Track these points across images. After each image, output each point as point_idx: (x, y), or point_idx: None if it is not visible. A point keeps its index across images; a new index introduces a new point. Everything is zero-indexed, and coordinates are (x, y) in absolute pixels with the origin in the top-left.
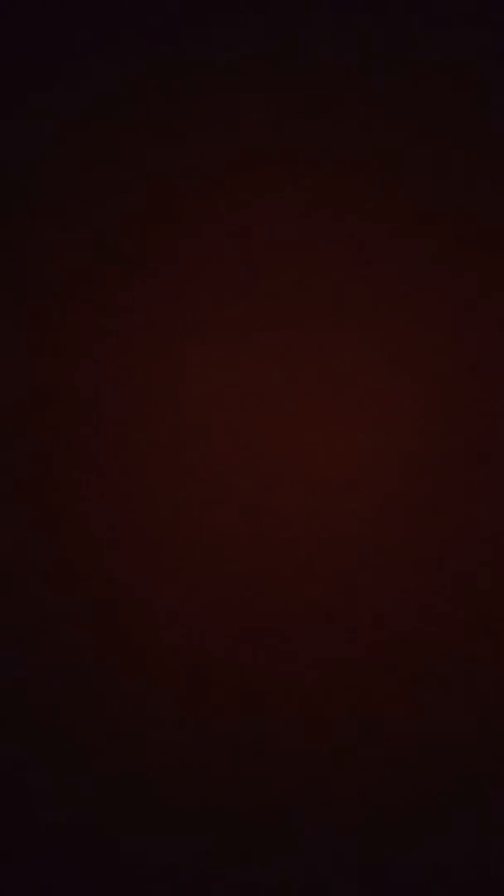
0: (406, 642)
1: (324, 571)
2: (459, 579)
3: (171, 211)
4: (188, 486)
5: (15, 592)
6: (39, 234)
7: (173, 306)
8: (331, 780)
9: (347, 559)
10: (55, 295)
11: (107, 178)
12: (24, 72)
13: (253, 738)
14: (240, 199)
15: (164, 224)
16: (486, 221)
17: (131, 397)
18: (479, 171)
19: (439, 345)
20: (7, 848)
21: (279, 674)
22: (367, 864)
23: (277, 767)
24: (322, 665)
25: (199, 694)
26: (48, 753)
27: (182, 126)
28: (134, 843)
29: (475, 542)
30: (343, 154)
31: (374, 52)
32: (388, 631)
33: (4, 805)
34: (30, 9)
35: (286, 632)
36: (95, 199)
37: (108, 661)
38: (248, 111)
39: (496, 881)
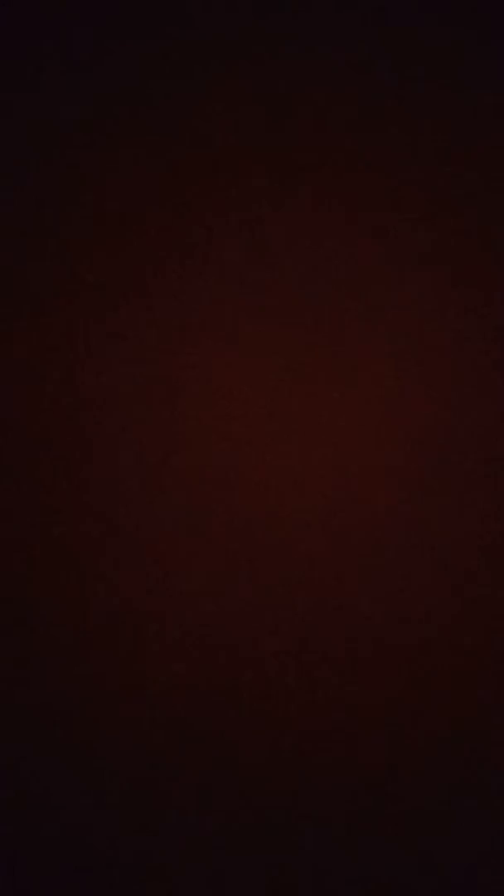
0: (408, 644)
1: (327, 572)
2: (464, 579)
3: (174, 207)
4: (187, 486)
5: (13, 594)
6: (39, 233)
7: (174, 304)
8: (332, 783)
9: (350, 560)
10: (55, 294)
11: (107, 178)
12: (24, 75)
13: (253, 740)
14: (245, 196)
15: (166, 222)
16: (487, 221)
17: (131, 396)
18: (482, 168)
19: (444, 345)
20: (7, 849)
21: (279, 676)
22: (368, 866)
23: (279, 771)
24: (323, 668)
25: (197, 701)
26: (46, 758)
27: (183, 126)
28: (132, 845)
29: (479, 542)
30: (350, 153)
31: (380, 51)
32: (391, 632)
33: (3, 806)
34: (28, 8)
35: (286, 633)
36: (96, 198)
37: (108, 661)
38: (250, 109)
39: (496, 882)
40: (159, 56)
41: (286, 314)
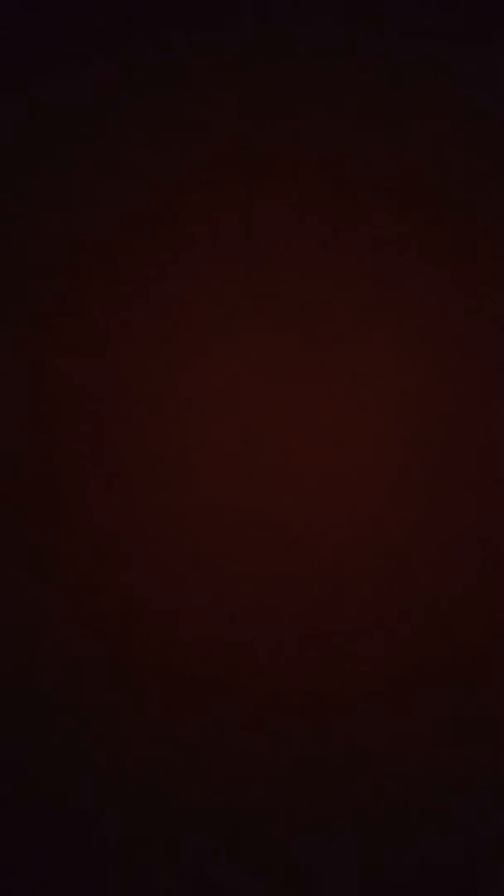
0: (410, 644)
1: (326, 569)
2: (463, 577)
3: (174, 205)
4: (187, 488)
5: (13, 593)
6: (41, 233)
7: (174, 300)
8: (328, 784)
9: (350, 558)
10: (55, 293)
11: (108, 177)
12: (23, 79)
13: (251, 742)
14: (244, 197)
15: (167, 220)
16: (487, 220)
17: (131, 393)
18: (483, 167)
19: (445, 346)
20: (8, 849)
21: (279, 678)
22: (369, 870)
23: (275, 770)
24: (323, 670)
25: (195, 703)
26: (49, 755)
27: (184, 127)
28: (134, 845)
29: (480, 540)
30: (350, 154)
31: (381, 55)
32: (392, 630)
33: (3, 807)
34: (23, 12)
35: (287, 634)
36: (98, 199)
37: (107, 663)
38: (249, 111)
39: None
40: (160, 60)
41: (286, 317)
